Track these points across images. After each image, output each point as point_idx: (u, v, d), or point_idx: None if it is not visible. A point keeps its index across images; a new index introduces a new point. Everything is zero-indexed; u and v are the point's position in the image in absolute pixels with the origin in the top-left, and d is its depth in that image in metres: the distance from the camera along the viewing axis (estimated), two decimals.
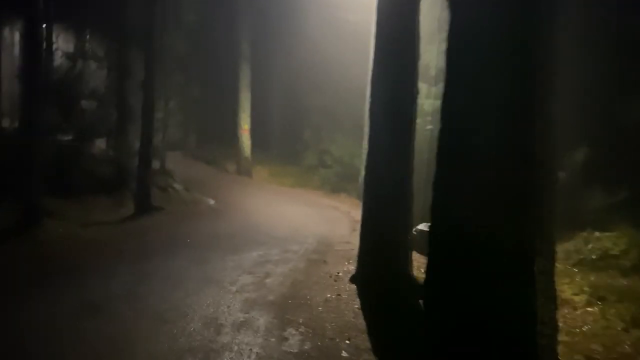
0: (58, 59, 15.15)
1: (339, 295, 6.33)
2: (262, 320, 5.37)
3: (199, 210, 13.75)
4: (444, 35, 11.52)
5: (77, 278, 6.95)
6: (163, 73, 16.82)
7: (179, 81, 21.70)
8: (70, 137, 13.55)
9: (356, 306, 5.93)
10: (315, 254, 9.04)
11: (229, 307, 5.77)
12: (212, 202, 14.86)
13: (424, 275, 7.25)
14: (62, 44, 15.89)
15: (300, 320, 5.40)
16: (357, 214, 14.78)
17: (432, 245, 4.19)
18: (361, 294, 6.36)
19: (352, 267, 7.72)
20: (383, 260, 6.56)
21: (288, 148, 23.51)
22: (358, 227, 12.47)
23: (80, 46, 15.98)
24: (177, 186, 15.45)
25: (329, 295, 6.31)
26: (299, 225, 12.26)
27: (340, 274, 7.40)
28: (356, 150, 18.59)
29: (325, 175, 20.19)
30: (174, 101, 22.40)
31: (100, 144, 14.95)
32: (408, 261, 6.69)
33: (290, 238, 10.52)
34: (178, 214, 12.82)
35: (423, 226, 9.16)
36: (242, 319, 5.37)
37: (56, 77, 14.07)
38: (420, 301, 6.01)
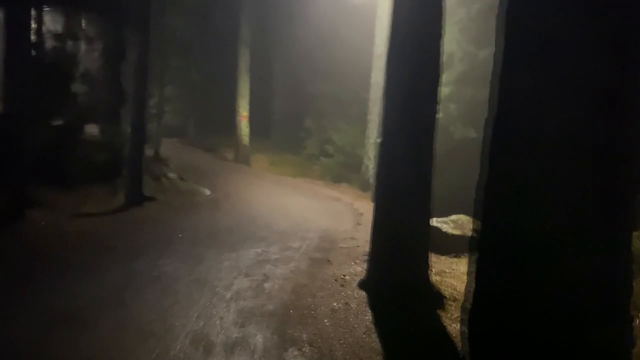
0: (48, 41, 14.42)
1: (348, 304, 5.59)
2: (259, 337, 4.63)
3: (194, 201, 13.01)
4: (456, 18, 10.50)
5: (56, 278, 6.22)
6: (159, 56, 16.08)
7: (176, 65, 20.98)
8: (61, 123, 12.81)
9: (368, 319, 5.17)
10: (318, 251, 8.31)
11: (222, 318, 5.03)
12: (208, 192, 14.15)
13: (438, 278, 6.60)
14: (51, 24, 15.11)
15: (304, 337, 4.66)
16: (360, 206, 14.14)
17: (483, 258, 3.35)
18: (372, 303, 5.59)
19: (359, 269, 7.02)
20: (398, 265, 5.79)
21: (288, 136, 22.91)
22: (362, 220, 11.91)
23: (71, 27, 15.18)
24: (172, 175, 14.75)
25: (335, 305, 5.55)
26: (300, 218, 11.57)
27: (346, 277, 6.67)
28: (359, 139, 18.00)
29: (327, 164, 19.66)
30: (172, 87, 21.77)
31: (93, 129, 14.17)
32: (427, 266, 5.95)
33: (290, 233, 9.82)
34: (171, 205, 12.08)
35: (434, 222, 8.50)
36: (236, 336, 4.63)
37: (46, 59, 13.34)
38: (440, 312, 5.34)
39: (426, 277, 5.92)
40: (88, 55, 14.82)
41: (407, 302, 5.43)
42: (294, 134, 22.17)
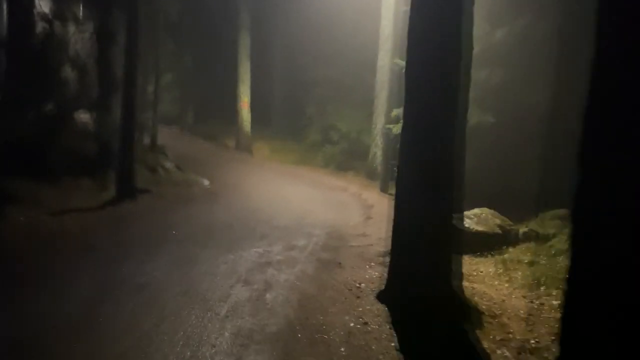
0: (35, 23, 13.51)
1: (366, 324, 4.63)
2: None
3: (192, 193, 12.13)
4: None
5: (24, 289, 5.32)
6: (152, 40, 15.10)
7: (171, 50, 20.07)
8: (45, 110, 11.90)
9: (392, 344, 4.22)
10: (326, 251, 7.41)
11: (214, 346, 4.11)
12: (207, 183, 13.28)
13: (466, 284, 5.71)
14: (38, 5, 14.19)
15: None
16: (369, 196, 13.22)
17: (575, 281, 2.38)
18: (396, 322, 4.62)
19: (375, 274, 6.11)
20: (425, 274, 4.85)
21: (290, 123, 22.09)
22: (373, 213, 10.96)
23: (59, 8, 14.24)
24: (169, 165, 13.85)
25: (352, 325, 4.60)
26: (304, 211, 10.68)
27: (361, 284, 5.74)
28: (365, 125, 17.14)
29: (331, 152, 18.85)
30: (170, 74, 20.89)
31: (84, 118, 13.25)
32: (459, 274, 5.02)
33: (294, 229, 8.93)
34: (167, 198, 11.19)
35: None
36: None
37: (30, 42, 12.43)
38: (479, 332, 4.43)
39: (458, 288, 4.99)
40: (77, 39, 13.92)
41: (438, 320, 4.52)
42: (295, 121, 21.33)
